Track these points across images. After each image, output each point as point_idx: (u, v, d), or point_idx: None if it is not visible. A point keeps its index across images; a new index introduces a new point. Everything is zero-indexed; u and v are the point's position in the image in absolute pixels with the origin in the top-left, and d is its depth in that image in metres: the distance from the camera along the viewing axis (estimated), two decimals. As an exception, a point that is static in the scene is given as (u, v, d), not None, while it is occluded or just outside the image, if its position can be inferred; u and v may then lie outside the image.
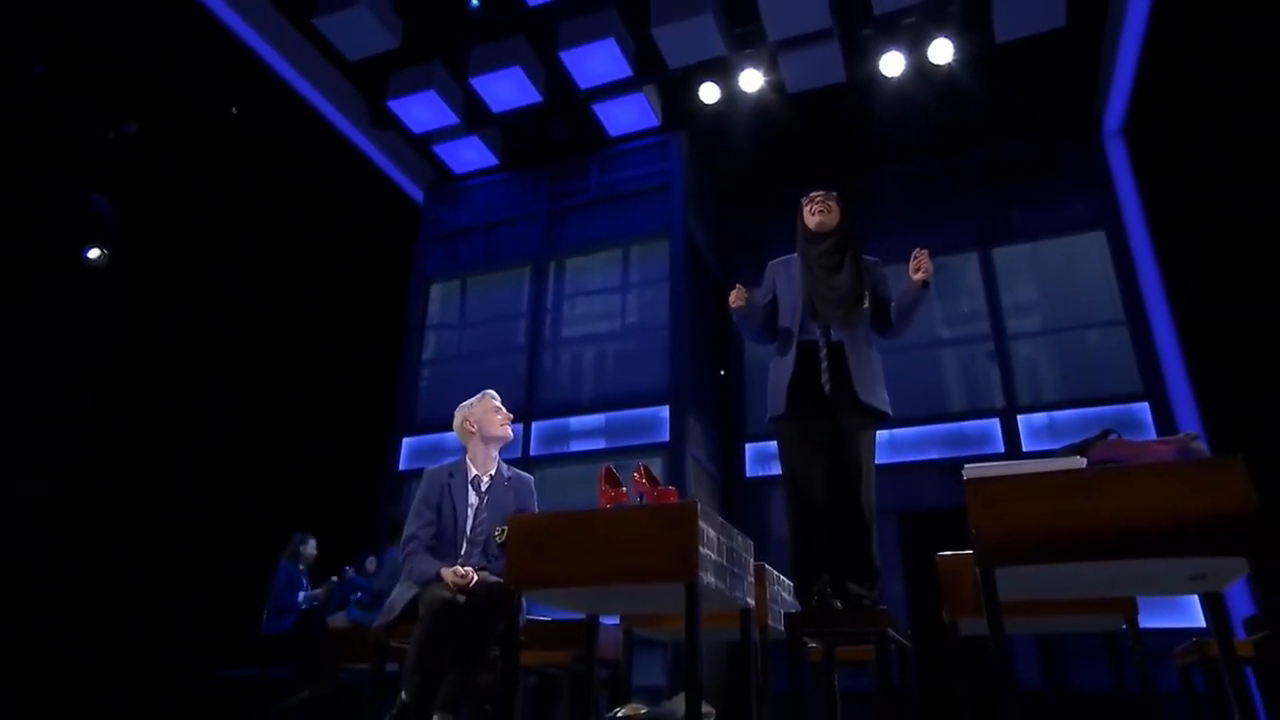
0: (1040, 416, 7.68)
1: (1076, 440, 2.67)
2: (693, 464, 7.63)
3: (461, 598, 2.84)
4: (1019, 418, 7.68)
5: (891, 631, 2.72)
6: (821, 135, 8.62)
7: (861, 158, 8.87)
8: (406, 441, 8.64)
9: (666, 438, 7.55)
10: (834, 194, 3.31)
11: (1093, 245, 8.17)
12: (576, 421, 8.07)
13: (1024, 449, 7.52)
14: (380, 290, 9.45)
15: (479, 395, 3.59)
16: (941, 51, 7.79)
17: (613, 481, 3.15)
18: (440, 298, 9.36)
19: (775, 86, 8.20)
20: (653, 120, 8.74)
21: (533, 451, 8.05)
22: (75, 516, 6.39)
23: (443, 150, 9.30)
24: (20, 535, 5.96)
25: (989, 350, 7.98)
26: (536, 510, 3.52)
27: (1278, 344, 6.43)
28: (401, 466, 8.55)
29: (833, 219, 3.25)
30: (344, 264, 9.18)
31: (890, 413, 3.02)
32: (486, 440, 3.48)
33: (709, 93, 8.34)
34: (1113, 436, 2.60)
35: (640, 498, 3.05)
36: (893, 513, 7.23)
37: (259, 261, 8.61)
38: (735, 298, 3.10)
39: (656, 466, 7.65)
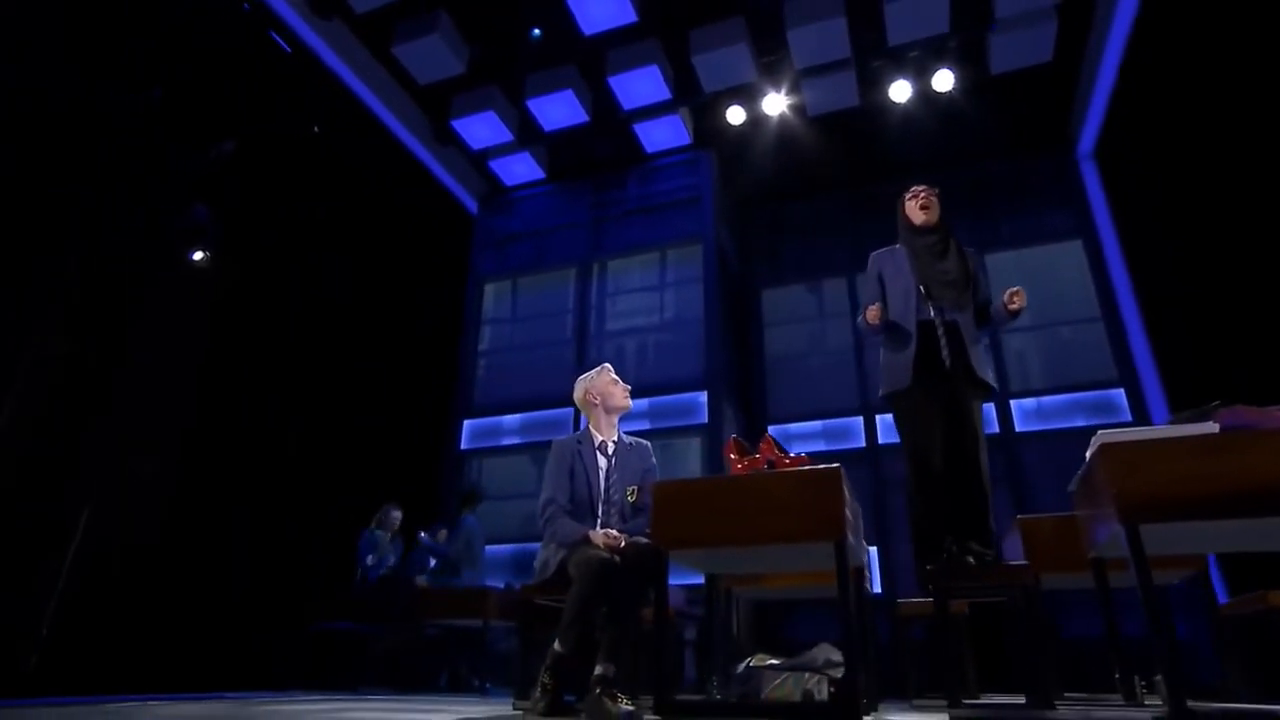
0: (1030, 401, 7.60)
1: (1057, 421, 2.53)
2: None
3: (617, 558, 2.66)
4: (1011, 402, 7.60)
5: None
6: (833, 153, 8.48)
7: (868, 173, 8.74)
8: (466, 424, 8.44)
9: (705, 419, 7.39)
10: (936, 189, 3.17)
11: (1071, 252, 8.10)
12: (622, 405, 7.87)
13: (1016, 429, 7.45)
14: (440, 289, 9.23)
15: (598, 369, 3.36)
16: (943, 81, 7.69)
17: (742, 450, 2.99)
18: (493, 295, 9.16)
19: (797, 109, 8.06)
20: (685, 139, 8.58)
21: (583, 431, 7.87)
22: (185, 490, 6.15)
23: (496, 164, 9.09)
24: (137, 507, 5.72)
25: (984, 345, 7.86)
26: (657, 470, 3.32)
27: (1233, 336, 6.37)
28: (463, 446, 8.34)
29: (935, 213, 3.12)
30: (408, 264, 8.95)
31: (996, 387, 2.89)
32: (609, 410, 3.28)
33: (735, 115, 8.20)
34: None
35: (769, 465, 2.89)
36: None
37: (335, 261, 8.36)
38: (875, 315, 2.93)
39: (694, 447, 7.50)
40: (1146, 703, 2.60)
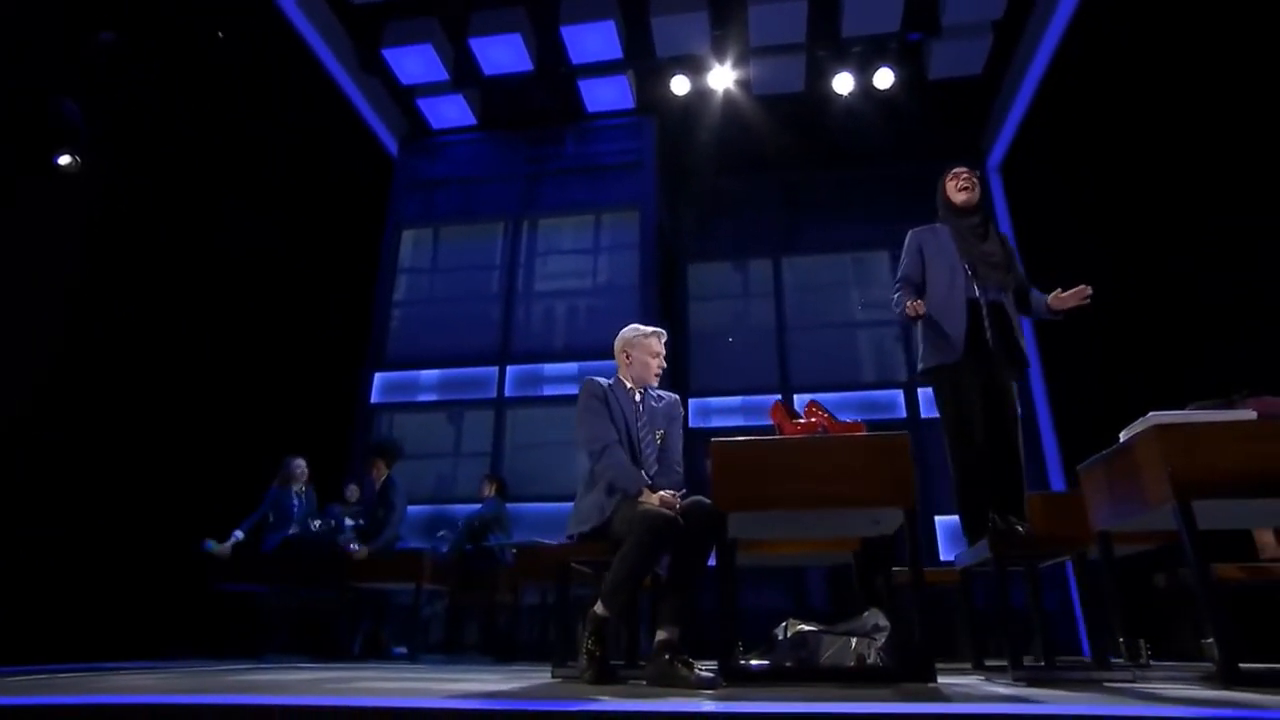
0: (928, 390, 8.07)
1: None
2: (655, 412, 7.41)
3: (679, 518, 2.49)
4: (919, 389, 8.04)
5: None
6: (771, 135, 8.52)
7: (803, 159, 8.88)
8: (378, 376, 7.83)
9: (638, 387, 7.27)
10: (977, 171, 3.21)
11: (975, 255, 8.63)
12: (550, 368, 7.60)
13: (922, 415, 7.89)
14: (352, 230, 8.44)
15: (651, 331, 3.06)
16: (884, 79, 7.93)
17: (790, 414, 2.90)
18: (412, 243, 8.51)
19: (742, 85, 8.03)
20: (629, 102, 8.33)
21: (508, 393, 7.53)
22: (55, 440, 5.24)
23: (424, 104, 8.41)
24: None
25: (896, 333, 8.29)
26: (680, 422, 3.13)
27: (1110, 347, 7.07)
28: (373, 400, 7.74)
29: (975, 195, 3.16)
30: (317, 201, 8.10)
31: (1030, 366, 2.98)
32: (633, 379, 3.07)
33: (680, 85, 8.05)
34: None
35: (822, 430, 2.83)
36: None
37: (234, 188, 7.41)
38: (914, 310, 2.89)
39: (625, 412, 7.37)
40: (1154, 664, 2.80)
